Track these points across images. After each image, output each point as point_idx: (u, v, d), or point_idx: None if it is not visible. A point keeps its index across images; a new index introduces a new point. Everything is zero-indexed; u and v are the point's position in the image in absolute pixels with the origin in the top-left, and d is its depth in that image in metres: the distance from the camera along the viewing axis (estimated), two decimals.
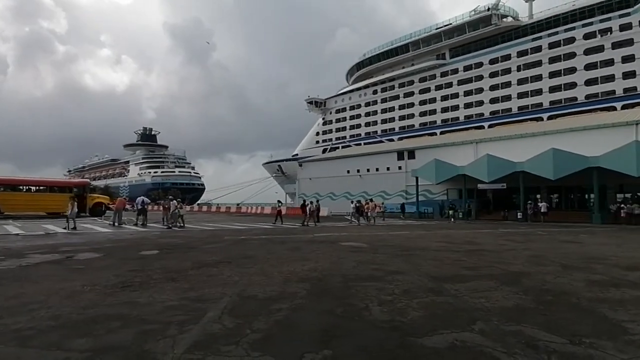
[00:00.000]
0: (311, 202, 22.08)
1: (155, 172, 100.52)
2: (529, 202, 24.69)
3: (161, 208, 18.56)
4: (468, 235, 14.41)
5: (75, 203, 15.61)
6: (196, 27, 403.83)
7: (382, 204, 30.09)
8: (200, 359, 3.14)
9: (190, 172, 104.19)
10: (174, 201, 17.45)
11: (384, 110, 61.45)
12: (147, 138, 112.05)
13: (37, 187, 23.36)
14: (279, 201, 23.84)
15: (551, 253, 9.24)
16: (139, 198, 18.10)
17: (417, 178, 30.34)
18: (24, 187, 23.38)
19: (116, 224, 16.91)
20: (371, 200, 24.71)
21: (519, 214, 24.74)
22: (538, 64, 46.09)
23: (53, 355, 3.18)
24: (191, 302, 4.83)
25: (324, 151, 63.34)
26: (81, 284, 5.79)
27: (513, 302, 4.72)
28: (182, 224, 17.17)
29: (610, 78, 39.54)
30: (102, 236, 13.24)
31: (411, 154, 34.84)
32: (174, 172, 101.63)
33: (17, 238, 11.97)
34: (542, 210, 23.31)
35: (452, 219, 24.84)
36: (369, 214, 22.63)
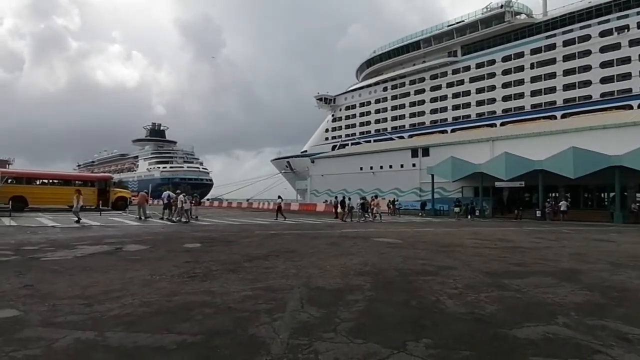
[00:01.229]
0: (344, 198, 22.71)
1: (164, 167, 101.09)
2: (548, 200, 24.64)
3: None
4: (496, 233, 14.47)
5: (81, 196, 15.51)
6: (206, 24, 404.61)
7: (397, 200, 30.17)
8: (306, 344, 3.27)
9: (198, 168, 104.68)
10: (181, 195, 17.49)
11: (394, 108, 61.26)
12: (156, 133, 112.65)
13: (61, 181, 23.72)
14: (279, 197, 23.98)
15: (591, 251, 9.30)
16: (164, 193, 18.36)
17: (432, 175, 30.37)
18: (49, 180, 23.83)
19: (142, 218, 17.14)
20: (375, 197, 24.55)
21: (537, 212, 24.69)
22: (552, 61, 45.67)
23: (168, 338, 3.34)
24: (264, 292, 4.98)
25: (333, 148, 63.33)
26: (147, 273, 5.97)
27: (582, 298, 4.82)
28: (187, 219, 17.16)
29: (627, 76, 39.14)
30: (135, 229, 13.46)
31: (425, 151, 34.79)
32: (183, 167, 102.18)
33: (56, 230, 12.23)
34: (562, 209, 23.27)
35: (457, 217, 24.87)
36: (373, 210, 22.54)
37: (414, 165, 35.23)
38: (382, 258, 7.72)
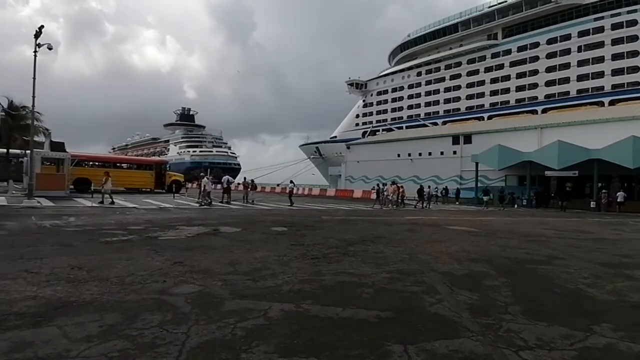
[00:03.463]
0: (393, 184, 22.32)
1: (194, 152, 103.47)
2: (603, 191, 23.85)
3: (240, 187, 19.42)
4: (564, 224, 14.31)
5: (110, 178, 15.87)
6: (237, 6, 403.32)
7: (435, 187, 29.76)
8: (495, 323, 3.50)
9: (227, 152, 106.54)
10: (205, 178, 17.73)
11: (428, 93, 59.82)
12: (186, 118, 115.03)
13: (122, 164, 24.94)
14: (291, 181, 23.48)
15: None
16: (224, 177, 18.99)
17: (476, 163, 29.88)
18: (111, 163, 25.02)
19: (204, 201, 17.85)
20: (393, 182, 23.39)
21: (592, 202, 23.96)
22: (600, 45, 43.26)
23: (362, 312, 3.66)
24: (400, 275, 5.25)
25: (364, 134, 62.83)
26: (270, 254, 6.35)
27: None
28: (209, 201, 17.13)
29: None
30: (211, 212, 14.04)
31: (467, 138, 34.14)
32: (212, 151, 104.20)
33: (140, 211, 13.00)
34: (618, 200, 22.50)
35: (485, 206, 24.06)
36: (389, 197, 21.58)
37: (454, 152, 34.70)
38: (477, 246, 7.87)
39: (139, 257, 5.85)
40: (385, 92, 65.50)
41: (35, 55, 13.77)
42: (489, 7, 52.18)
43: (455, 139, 35.11)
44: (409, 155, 38.83)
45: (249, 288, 4.41)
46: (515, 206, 24.64)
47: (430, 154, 37.00)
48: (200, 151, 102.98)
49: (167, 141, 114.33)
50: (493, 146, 28.42)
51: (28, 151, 17.85)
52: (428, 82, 59.23)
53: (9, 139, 22.06)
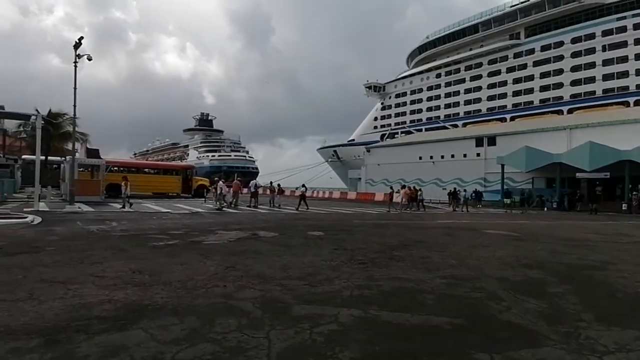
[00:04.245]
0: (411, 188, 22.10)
1: (212, 156, 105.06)
2: (634, 192, 23.01)
3: (267, 191, 19.63)
4: (605, 228, 13.85)
5: (129, 183, 16.36)
6: (255, 11, 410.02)
7: (463, 190, 29.32)
8: (573, 331, 3.42)
9: (245, 156, 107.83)
10: (220, 182, 17.87)
11: (447, 95, 59.18)
12: (205, 123, 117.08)
13: (151, 170, 25.63)
14: (303, 185, 23.16)
15: None
16: (252, 182, 19.27)
17: (502, 165, 29.27)
18: (140, 169, 25.73)
19: (233, 205, 18.12)
20: (404, 187, 22.97)
21: (623, 205, 23.15)
22: (623, 44, 42.15)
23: (434, 319, 3.63)
24: (455, 280, 5.18)
25: (382, 137, 62.52)
26: (316, 259, 6.38)
27: None
28: (221, 206, 17.25)
29: None
30: (243, 216, 14.27)
31: (492, 140, 33.49)
32: (230, 155, 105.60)
33: (175, 215, 13.30)
34: None
35: (508, 209, 23.23)
36: (402, 200, 21.19)
37: (478, 154, 34.09)
38: (524, 251, 7.71)
39: (191, 261, 5.98)
40: (404, 94, 65.13)
41: (75, 66, 14.33)
42: (511, 6, 51.37)
43: (479, 141, 34.48)
44: (431, 157, 38.36)
45: (310, 293, 4.45)
46: (545, 209, 23.99)
47: (452, 156, 36.45)
48: (219, 155, 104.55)
49: (187, 146, 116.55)
50: (520, 148, 27.76)
51: (63, 158, 18.50)
52: (448, 84, 58.62)
53: (48, 147, 22.95)
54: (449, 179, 35.19)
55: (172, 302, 3.99)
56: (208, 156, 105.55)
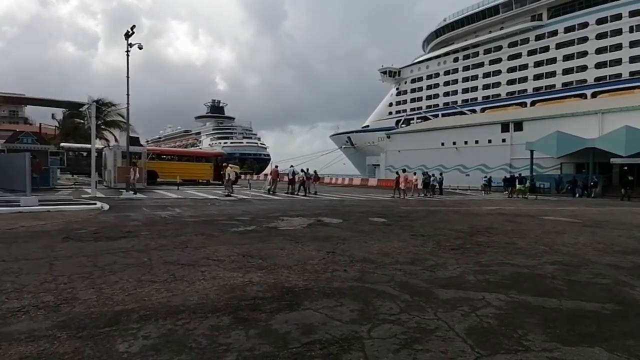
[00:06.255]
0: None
1: (225, 143, 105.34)
2: None
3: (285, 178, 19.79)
4: None
5: (137, 169, 16.59)
6: None
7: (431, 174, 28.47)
8: None
9: (257, 143, 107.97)
10: (229, 168, 17.89)
11: (465, 79, 58.16)
12: (216, 110, 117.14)
13: (184, 157, 25.92)
14: (302, 170, 22.49)
15: None
16: (289, 169, 19.35)
17: (531, 151, 28.89)
18: (171, 156, 26.05)
19: (271, 192, 18.27)
20: (404, 171, 22.00)
21: None
22: None
23: (587, 305, 3.68)
24: (568, 267, 5.22)
25: (397, 122, 61.97)
26: (408, 244, 6.47)
27: None
28: (231, 192, 17.18)
29: None
30: (290, 202, 14.41)
31: (518, 125, 32.96)
32: (242, 142, 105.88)
33: (227, 203, 13.45)
34: None
35: (521, 195, 22.65)
36: (402, 187, 20.52)
37: (503, 140, 33.65)
38: (604, 237, 7.71)
39: (287, 247, 6.09)
40: (420, 79, 64.16)
41: (127, 55, 14.35)
42: None
43: (505, 126, 33.96)
44: (454, 143, 37.96)
45: (437, 278, 4.52)
46: (577, 195, 23.73)
47: (476, 142, 36.00)
48: (231, 142, 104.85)
49: (199, 133, 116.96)
50: (551, 133, 27.29)
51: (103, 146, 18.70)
52: (465, 68, 57.55)
53: (83, 135, 23.30)
54: (472, 165, 34.91)
55: (312, 286, 4.08)
56: (220, 143, 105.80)
